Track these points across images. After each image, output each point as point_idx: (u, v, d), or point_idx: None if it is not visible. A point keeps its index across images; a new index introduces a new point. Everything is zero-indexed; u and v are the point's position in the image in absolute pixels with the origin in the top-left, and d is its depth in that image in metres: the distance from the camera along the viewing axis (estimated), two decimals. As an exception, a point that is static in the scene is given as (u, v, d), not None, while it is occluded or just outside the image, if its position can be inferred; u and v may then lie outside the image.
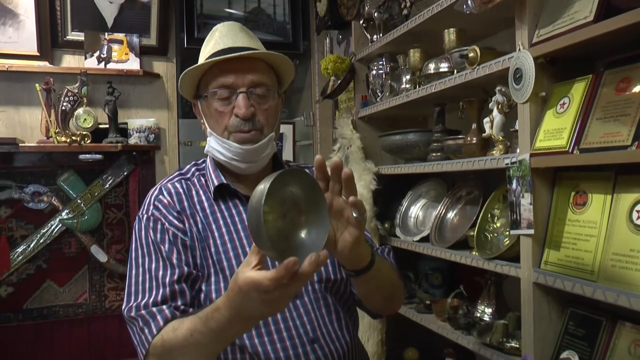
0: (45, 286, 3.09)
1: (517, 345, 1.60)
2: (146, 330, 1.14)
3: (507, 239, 1.70)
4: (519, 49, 1.48)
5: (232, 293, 0.93)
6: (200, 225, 1.26)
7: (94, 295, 3.18)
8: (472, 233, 1.81)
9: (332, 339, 1.25)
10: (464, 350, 1.90)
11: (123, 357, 3.21)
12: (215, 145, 1.29)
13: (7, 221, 3.01)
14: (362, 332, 2.40)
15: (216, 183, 1.30)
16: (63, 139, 2.93)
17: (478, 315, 1.82)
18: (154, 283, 1.18)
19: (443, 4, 1.82)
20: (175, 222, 1.24)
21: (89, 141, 2.98)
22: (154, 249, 1.22)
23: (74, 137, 2.94)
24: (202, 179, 1.34)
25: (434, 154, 2.08)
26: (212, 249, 1.24)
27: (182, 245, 1.23)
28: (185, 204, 1.28)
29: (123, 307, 1.21)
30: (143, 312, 1.15)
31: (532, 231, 1.46)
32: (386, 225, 2.42)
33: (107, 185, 3.17)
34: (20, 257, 3.01)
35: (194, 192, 1.31)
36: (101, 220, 3.17)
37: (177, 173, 1.37)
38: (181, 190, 1.30)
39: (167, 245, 1.22)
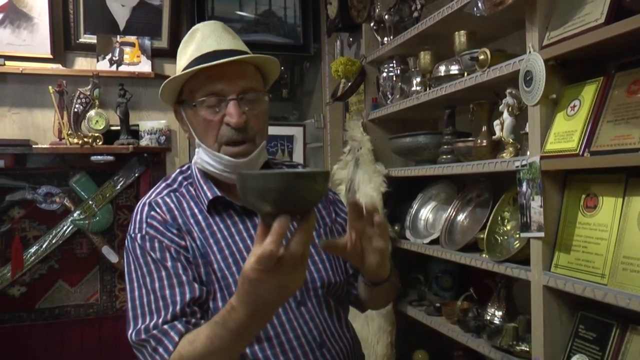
0: (57, 286, 3.12)
1: (527, 349, 1.59)
2: (160, 349, 1.08)
3: (517, 241, 1.69)
4: (530, 52, 1.48)
5: (242, 288, 0.89)
6: (198, 242, 1.20)
7: (105, 295, 3.21)
8: (482, 236, 1.80)
9: (337, 340, 1.27)
10: (473, 353, 1.89)
11: (134, 357, 3.23)
12: (206, 158, 1.24)
13: (21, 222, 3.04)
14: (371, 335, 2.40)
15: (210, 196, 1.24)
16: (75, 140, 2.96)
17: (488, 318, 1.81)
18: (161, 303, 1.12)
19: (453, 6, 1.82)
20: (176, 239, 1.19)
21: (100, 143, 3.01)
22: (155, 268, 1.15)
23: (85, 139, 2.96)
24: (190, 189, 1.28)
25: (444, 157, 2.08)
26: (215, 265, 1.19)
27: (186, 261, 1.18)
28: (180, 220, 1.22)
29: (129, 332, 1.14)
30: (154, 331, 1.09)
31: (542, 234, 1.45)
32: (396, 227, 2.42)
33: (119, 187, 3.20)
34: (33, 258, 3.04)
35: (185, 206, 1.25)
36: (112, 221, 3.19)
37: (164, 185, 1.30)
38: (173, 206, 1.23)
39: (169, 263, 1.16)
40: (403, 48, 2.31)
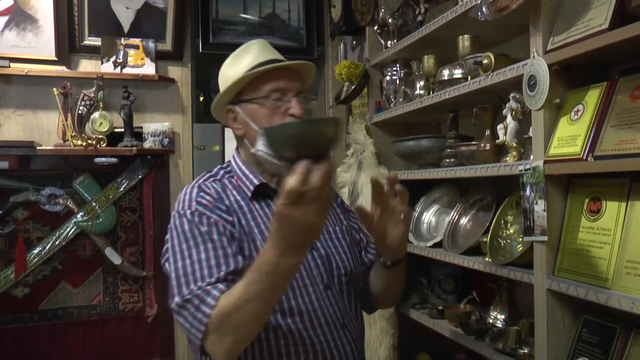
0: (60, 287, 3.13)
1: (530, 352, 1.60)
2: (203, 307, 1.13)
3: (520, 245, 1.70)
4: (534, 56, 1.48)
5: (272, 227, 1.03)
6: (243, 222, 1.31)
7: (108, 297, 3.21)
8: (485, 239, 1.81)
9: (354, 327, 1.40)
10: (476, 356, 1.90)
11: (136, 358, 3.24)
12: None
13: (24, 223, 3.06)
14: (374, 337, 2.40)
15: (256, 182, 1.37)
16: (79, 142, 2.97)
17: (490, 321, 1.82)
18: (206, 271, 1.19)
19: (457, 10, 1.83)
20: (224, 215, 1.29)
21: (104, 145, 3.02)
22: (202, 241, 1.23)
23: (89, 141, 2.98)
24: (232, 180, 1.40)
25: (448, 160, 2.08)
26: (258, 243, 1.29)
27: (231, 236, 1.26)
28: (227, 201, 1.33)
29: (173, 300, 1.19)
30: (198, 291, 1.15)
31: (545, 238, 1.46)
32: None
33: (122, 189, 3.21)
34: (36, 259, 3.05)
35: (229, 193, 1.36)
36: (115, 223, 3.21)
37: (208, 175, 1.42)
38: (219, 189, 1.35)
39: (216, 236, 1.24)
40: (407, 52, 2.32)
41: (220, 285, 1.16)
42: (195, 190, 1.33)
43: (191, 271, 1.19)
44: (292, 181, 0.96)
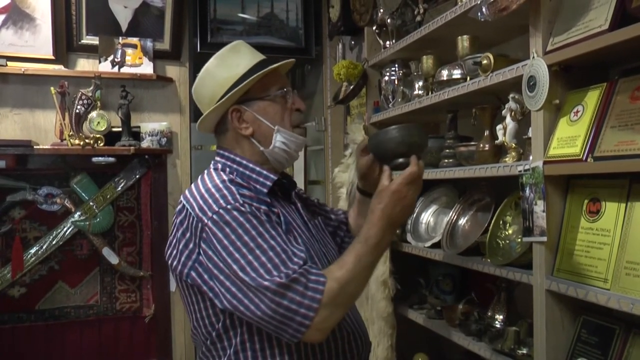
0: (57, 287, 3.13)
1: (529, 353, 1.60)
2: (311, 284, 1.16)
3: (519, 245, 1.69)
4: (533, 57, 1.48)
5: (379, 205, 1.23)
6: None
7: (105, 297, 3.21)
8: (484, 239, 1.80)
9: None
10: (474, 356, 1.89)
11: (133, 358, 3.23)
12: (284, 140, 1.40)
13: (21, 222, 3.05)
14: (372, 338, 2.39)
15: (274, 177, 1.39)
16: (77, 141, 2.96)
17: (489, 321, 1.82)
18: (284, 256, 1.19)
19: (457, 10, 1.83)
20: (271, 207, 1.31)
21: (102, 144, 3.01)
22: (264, 229, 1.22)
23: (87, 140, 2.97)
24: (243, 177, 1.38)
25: (446, 161, 2.08)
26: (295, 233, 1.34)
27: (279, 228, 1.28)
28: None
29: (260, 281, 1.15)
30: (300, 270, 1.17)
31: (545, 238, 1.45)
32: (397, 231, 2.42)
33: (120, 188, 3.20)
34: (33, 258, 3.04)
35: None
36: (113, 222, 3.20)
37: (223, 174, 1.35)
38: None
39: (275, 225, 1.26)
40: (405, 52, 2.32)
41: (313, 264, 1.22)
42: (230, 185, 1.30)
43: (267, 259, 1.17)
44: (414, 167, 1.25)
